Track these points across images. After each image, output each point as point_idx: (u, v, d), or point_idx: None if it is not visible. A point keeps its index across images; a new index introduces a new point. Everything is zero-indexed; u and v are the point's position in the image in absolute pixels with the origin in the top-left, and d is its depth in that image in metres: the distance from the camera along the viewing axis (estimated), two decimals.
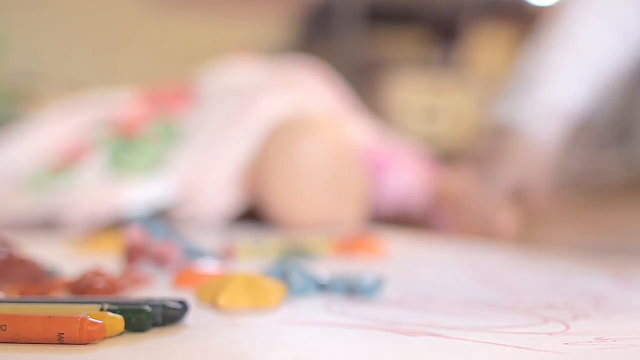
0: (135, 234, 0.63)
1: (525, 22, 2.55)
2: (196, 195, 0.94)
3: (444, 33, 2.41)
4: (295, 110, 0.98)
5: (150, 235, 0.66)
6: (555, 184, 0.98)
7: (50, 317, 0.38)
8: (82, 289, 0.49)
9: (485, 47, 2.49)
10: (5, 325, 0.37)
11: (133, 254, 0.61)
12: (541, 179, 0.99)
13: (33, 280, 0.49)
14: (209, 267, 0.57)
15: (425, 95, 2.31)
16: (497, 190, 0.96)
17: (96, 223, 0.86)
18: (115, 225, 0.84)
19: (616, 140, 2.36)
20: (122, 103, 1.02)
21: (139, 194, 0.91)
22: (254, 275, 0.49)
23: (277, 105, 0.98)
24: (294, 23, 2.34)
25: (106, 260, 0.62)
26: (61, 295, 0.49)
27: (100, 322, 0.38)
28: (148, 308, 0.40)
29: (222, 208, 0.95)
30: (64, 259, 0.64)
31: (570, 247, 0.81)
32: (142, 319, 0.40)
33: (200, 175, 0.94)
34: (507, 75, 1.15)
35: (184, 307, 0.42)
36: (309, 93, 1.04)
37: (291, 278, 0.51)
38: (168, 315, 0.42)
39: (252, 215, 0.97)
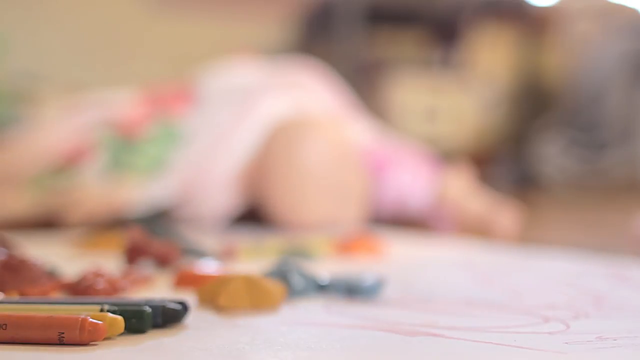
0: (135, 234, 0.63)
1: (525, 23, 2.55)
2: (196, 195, 0.94)
3: (444, 33, 2.41)
4: (295, 111, 0.98)
5: (150, 235, 0.66)
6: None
7: (50, 317, 0.38)
8: (82, 289, 0.49)
9: (486, 47, 2.49)
10: (5, 325, 0.37)
11: (133, 254, 0.61)
12: None
13: (33, 280, 0.49)
14: (209, 267, 0.57)
15: (425, 96, 2.31)
16: None
17: (96, 223, 0.86)
18: (115, 225, 0.84)
19: (616, 140, 2.35)
20: (122, 104, 1.02)
21: (139, 194, 0.91)
22: (254, 276, 0.49)
23: (278, 105, 0.98)
24: (294, 23, 2.34)
25: (106, 260, 0.62)
26: (61, 295, 0.49)
27: (100, 322, 0.38)
28: (148, 309, 0.40)
29: (223, 208, 0.95)
30: (64, 259, 0.64)
31: (570, 247, 0.81)
32: (142, 319, 0.40)
33: (200, 176, 0.94)
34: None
35: (184, 308, 0.42)
36: (309, 93, 1.04)
37: (291, 279, 0.51)
38: (168, 316, 0.42)
39: (252, 216, 0.97)
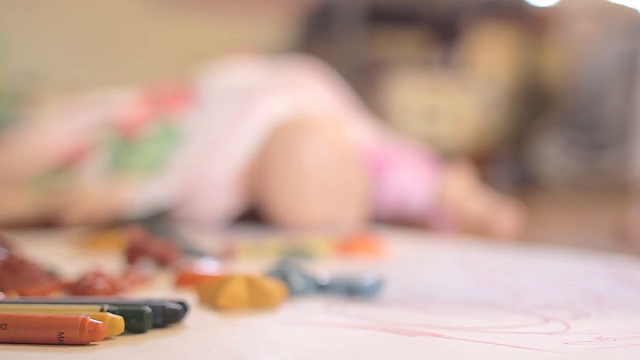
0: (135, 234, 0.63)
1: (525, 23, 2.55)
2: (196, 195, 0.94)
3: (444, 33, 2.41)
4: (295, 111, 0.98)
5: (150, 235, 0.66)
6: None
7: (50, 317, 0.38)
8: (82, 289, 0.49)
9: (486, 47, 2.49)
10: (5, 325, 0.37)
11: (133, 254, 0.61)
12: None
13: (33, 280, 0.49)
14: (209, 267, 0.57)
15: (425, 96, 2.31)
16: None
17: (96, 223, 0.86)
18: (115, 225, 0.84)
19: (616, 140, 2.36)
20: (122, 104, 1.02)
21: (139, 194, 0.91)
22: (254, 276, 0.49)
23: (278, 105, 0.98)
24: (294, 23, 2.34)
25: (106, 260, 0.62)
26: (61, 295, 0.49)
27: (100, 322, 0.38)
28: (147, 309, 0.40)
29: (223, 208, 0.95)
30: (64, 259, 0.64)
31: (570, 247, 0.81)
32: (142, 319, 0.40)
33: (200, 176, 0.94)
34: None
35: (184, 308, 0.42)
36: (309, 93, 1.04)
37: (291, 279, 0.51)
38: (168, 316, 0.42)
39: (252, 216, 0.97)
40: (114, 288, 0.49)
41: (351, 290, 0.51)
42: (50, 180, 0.93)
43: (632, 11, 2.54)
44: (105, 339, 0.39)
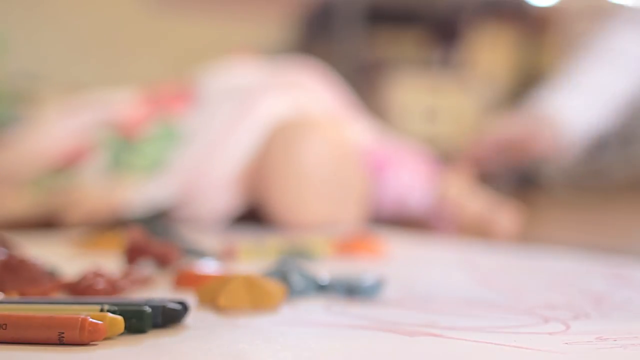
0: (135, 234, 0.63)
1: (525, 23, 2.55)
2: (196, 195, 0.94)
3: (444, 33, 2.41)
4: (295, 111, 0.98)
5: (150, 235, 0.66)
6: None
7: (50, 317, 0.38)
8: (82, 289, 0.49)
9: (486, 47, 2.49)
10: (5, 325, 0.37)
11: (133, 254, 0.61)
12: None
13: (33, 280, 0.49)
14: (209, 267, 0.57)
15: (425, 96, 2.31)
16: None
17: (96, 223, 0.86)
18: (115, 225, 0.84)
19: (616, 141, 2.36)
20: (122, 104, 1.02)
21: (139, 194, 0.91)
22: (254, 276, 0.49)
23: (278, 105, 0.98)
24: (294, 23, 2.34)
25: (106, 260, 0.62)
26: (61, 295, 0.49)
27: (100, 322, 0.38)
28: (147, 309, 0.40)
29: (223, 208, 0.95)
30: (64, 259, 0.64)
31: (570, 247, 0.81)
32: (142, 319, 0.40)
33: (200, 176, 0.94)
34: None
35: (184, 308, 0.42)
36: (309, 93, 1.04)
37: (291, 279, 0.51)
38: (168, 316, 0.42)
39: (252, 216, 0.97)
40: (114, 288, 0.49)
41: (351, 290, 0.51)
42: (50, 180, 0.93)
43: (632, 11, 2.53)
44: (106, 339, 0.39)
